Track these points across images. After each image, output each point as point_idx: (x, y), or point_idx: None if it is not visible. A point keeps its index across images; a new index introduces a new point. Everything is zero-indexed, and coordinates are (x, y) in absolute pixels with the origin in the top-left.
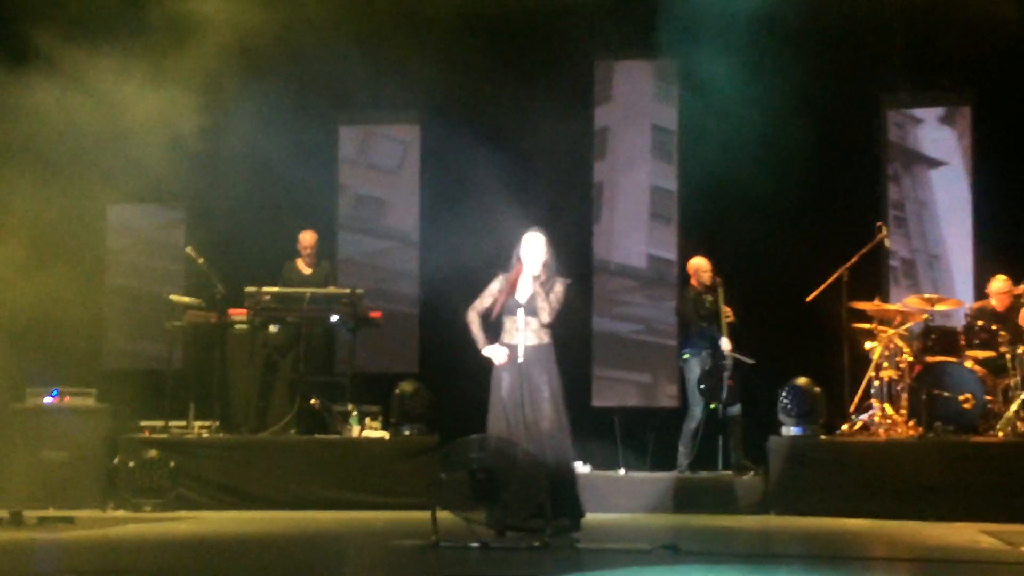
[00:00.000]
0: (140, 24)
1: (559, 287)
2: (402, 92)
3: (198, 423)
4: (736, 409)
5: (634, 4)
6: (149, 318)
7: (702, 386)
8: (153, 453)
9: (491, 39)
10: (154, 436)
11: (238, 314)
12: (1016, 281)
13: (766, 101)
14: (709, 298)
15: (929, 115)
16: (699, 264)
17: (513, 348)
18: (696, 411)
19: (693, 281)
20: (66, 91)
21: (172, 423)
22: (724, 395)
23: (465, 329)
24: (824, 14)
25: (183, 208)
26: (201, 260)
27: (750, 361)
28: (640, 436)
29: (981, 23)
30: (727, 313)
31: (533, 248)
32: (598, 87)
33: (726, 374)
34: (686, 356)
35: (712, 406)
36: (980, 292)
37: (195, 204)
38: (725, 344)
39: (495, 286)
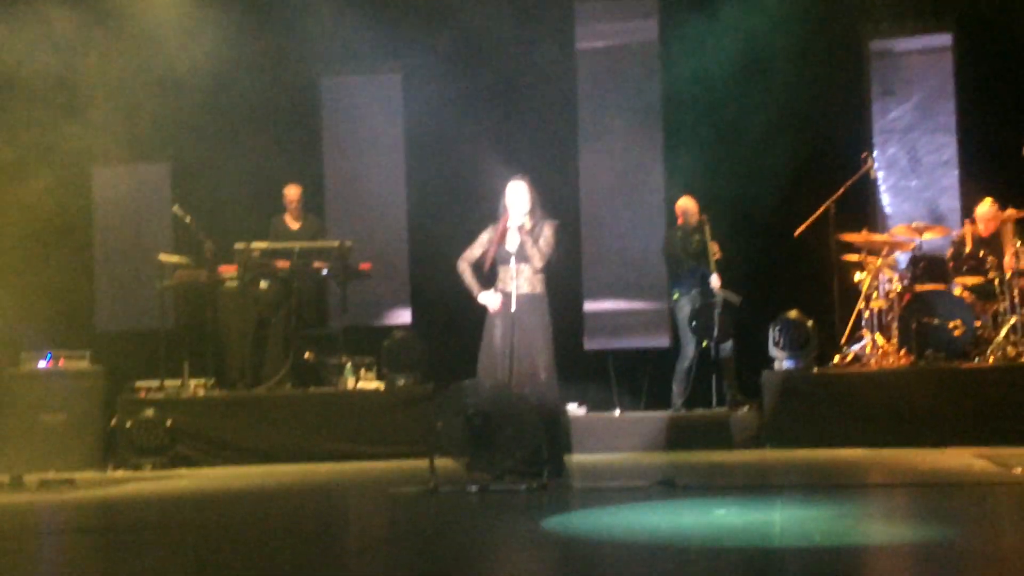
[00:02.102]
0: None
1: (548, 231)
2: (382, 42)
3: (193, 381)
4: (728, 346)
5: None
6: (139, 278)
7: (693, 324)
8: (150, 412)
9: None
10: (150, 396)
11: (228, 271)
12: (1002, 205)
13: (747, 32)
14: (696, 236)
15: (911, 44)
16: (687, 204)
17: (507, 296)
18: (688, 349)
19: (680, 220)
20: (35, 46)
21: (167, 382)
22: (715, 332)
23: (458, 278)
24: None
25: (168, 167)
26: (189, 218)
27: (737, 299)
28: (634, 376)
29: None
30: (714, 250)
31: (518, 195)
32: (579, 23)
33: (716, 311)
34: (676, 295)
35: (704, 344)
36: (967, 217)
37: (179, 162)
38: (715, 281)
39: (484, 236)
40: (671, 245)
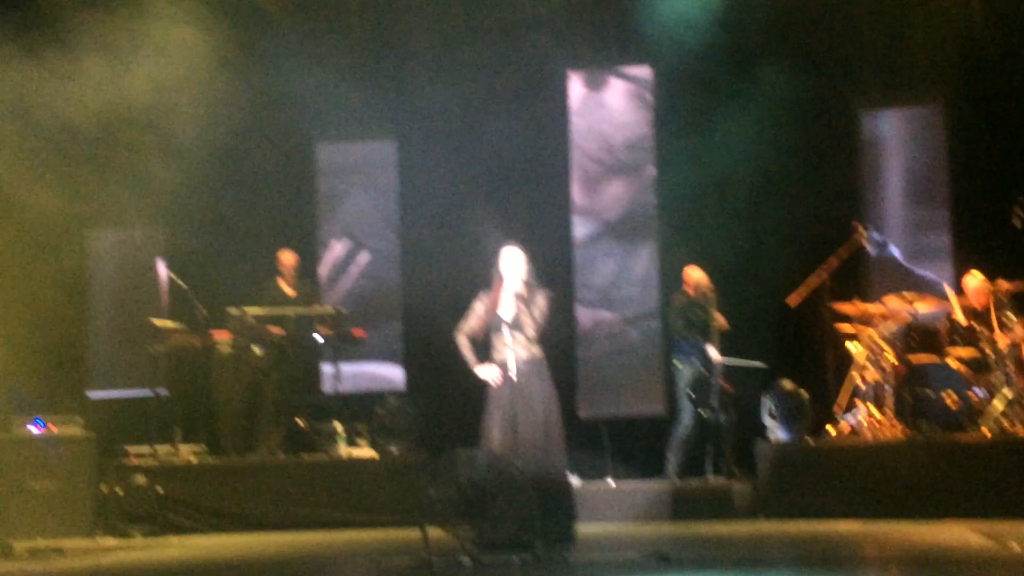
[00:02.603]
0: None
1: (541, 300)
2: (378, 108)
3: (185, 447)
4: (726, 417)
5: (607, 15)
6: (132, 343)
7: (691, 393)
8: (141, 479)
9: (465, 52)
10: (141, 462)
11: (222, 336)
12: (994, 275)
13: (740, 106)
14: (701, 305)
15: (901, 115)
16: (696, 274)
17: (504, 365)
18: (685, 417)
19: (687, 288)
20: (34, 110)
21: (159, 447)
22: (713, 402)
23: (454, 349)
24: (794, 18)
25: (162, 231)
26: (183, 283)
27: (760, 365)
28: (629, 445)
29: (949, 23)
30: (719, 321)
31: (512, 263)
32: (573, 98)
33: (715, 381)
34: (677, 364)
35: (702, 413)
36: (960, 289)
37: (174, 226)
38: (713, 353)
39: (479, 305)
40: (673, 313)
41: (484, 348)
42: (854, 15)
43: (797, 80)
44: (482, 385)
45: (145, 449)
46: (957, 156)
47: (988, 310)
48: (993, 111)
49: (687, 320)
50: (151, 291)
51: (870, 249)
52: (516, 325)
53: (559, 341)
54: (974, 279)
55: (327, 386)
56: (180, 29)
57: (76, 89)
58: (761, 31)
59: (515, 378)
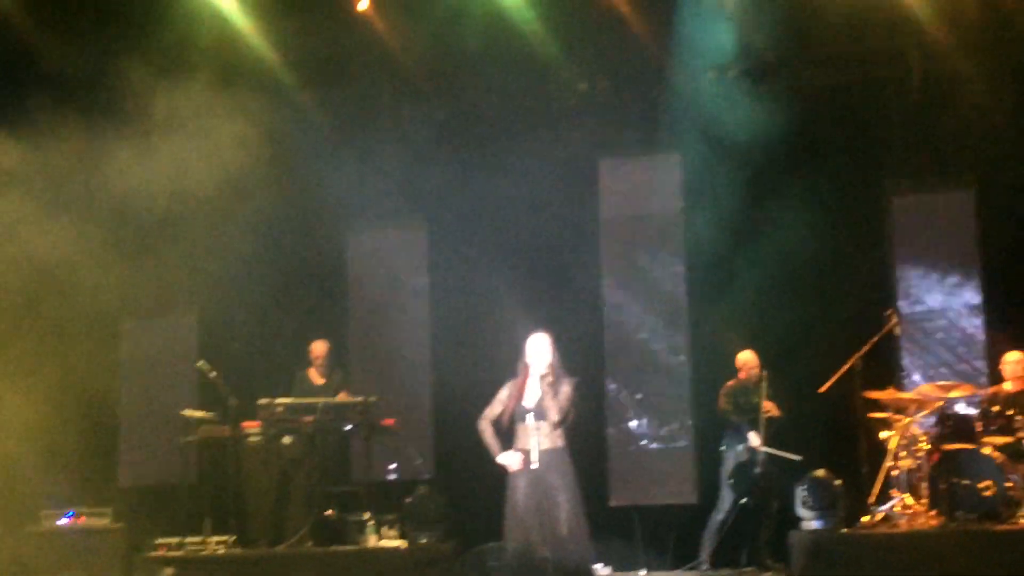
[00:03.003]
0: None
1: (566, 387)
2: (407, 198)
3: (214, 538)
4: (772, 506)
5: (636, 101)
6: (163, 433)
7: (731, 481)
8: (169, 571)
9: (495, 142)
10: (170, 554)
11: (251, 426)
12: None
13: (771, 193)
14: (753, 391)
15: (933, 200)
16: (747, 358)
17: (526, 453)
18: (725, 503)
19: (742, 374)
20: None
21: (188, 539)
22: (755, 490)
23: (480, 436)
24: (824, 104)
25: (195, 320)
26: (213, 373)
27: (796, 457)
28: (661, 533)
29: (981, 107)
30: (767, 408)
31: (539, 350)
32: (603, 184)
33: (757, 469)
34: (723, 448)
35: (743, 501)
36: (994, 374)
37: (206, 316)
38: (753, 439)
39: (504, 393)
40: (724, 396)
41: (509, 437)
42: (884, 102)
43: (828, 166)
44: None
45: (174, 540)
46: (989, 241)
47: (1022, 396)
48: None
49: (735, 404)
50: (183, 381)
51: None
52: (539, 414)
53: (589, 428)
54: (1014, 357)
55: (357, 475)
56: (217, 123)
57: (112, 181)
58: (792, 118)
59: (536, 467)
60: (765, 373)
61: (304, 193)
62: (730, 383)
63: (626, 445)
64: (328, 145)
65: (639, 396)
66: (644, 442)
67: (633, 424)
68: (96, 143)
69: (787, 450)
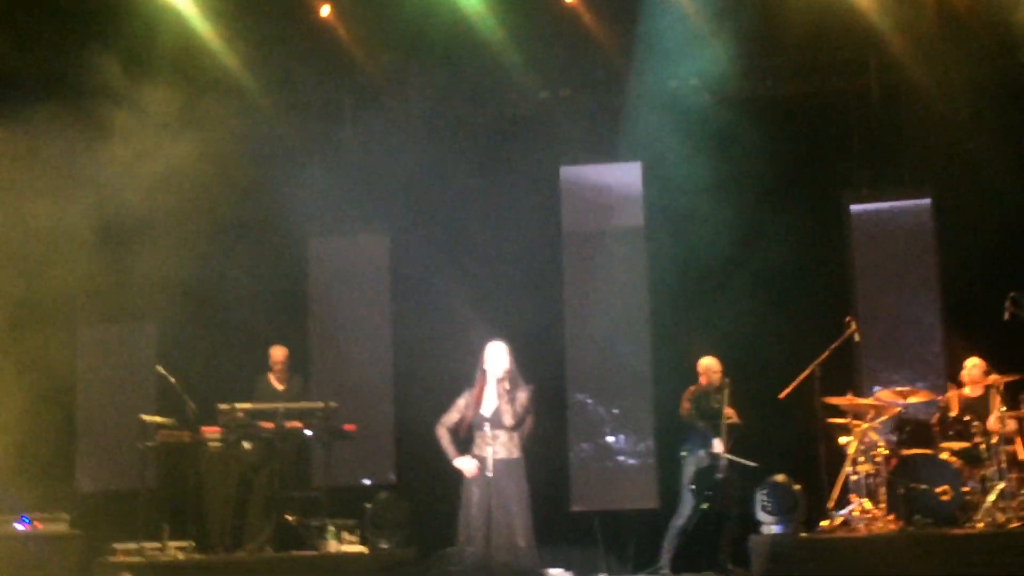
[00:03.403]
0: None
1: (523, 393)
2: (371, 202)
3: (173, 544)
4: (729, 512)
5: (598, 110)
6: (122, 438)
7: (692, 487)
8: None
9: (457, 147)
10: (128, 559)
11: (211, 432)
12: (989, 365)
13: (730, 199)
14: (715, 397)
15: (891, 208)
16: (709, 363)
17: (482, 461)
18: (685, 509)
19: (703, 380)
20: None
21: (146, 544)
22: (716, 496)
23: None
24: (783, 113)
25: (154, 326)
26: (173, 379)
27: (753, 464)
28: (621, 538)
29: (939, 118)
30: (729, 414)
31: (496, 358)
32: (564, 192)
33: (718, 475)
34: (684, 453)
35: (704, 506)
36: (953, 379)
37: (166, 321)
38: (717, 446)
39: (461, 401)
40: (686, 401)
41: (468, 443)
42: (844, 112)
43: (787, 174)
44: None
45: (132, 546)
46: (947, 250)
47: (983, 400)
48: (982, 206)
49: (697, 409)
50: (142, 386)
51: None
52: (496, 422)
53: (551, 436)
54: (973, 363)
55: (317, 481)
56: (179, 128)
57: (69, 186)
58: (752, 127)
59: (490, 475)
60: (727, 379)
61: (266, 198)
62: (692, 388)
63: (594, 457)
64: (290, 151)
65: (616, 411)
66: (609, 445)
67: (611, 439)
68: (57, 147)
69: (746, 456)
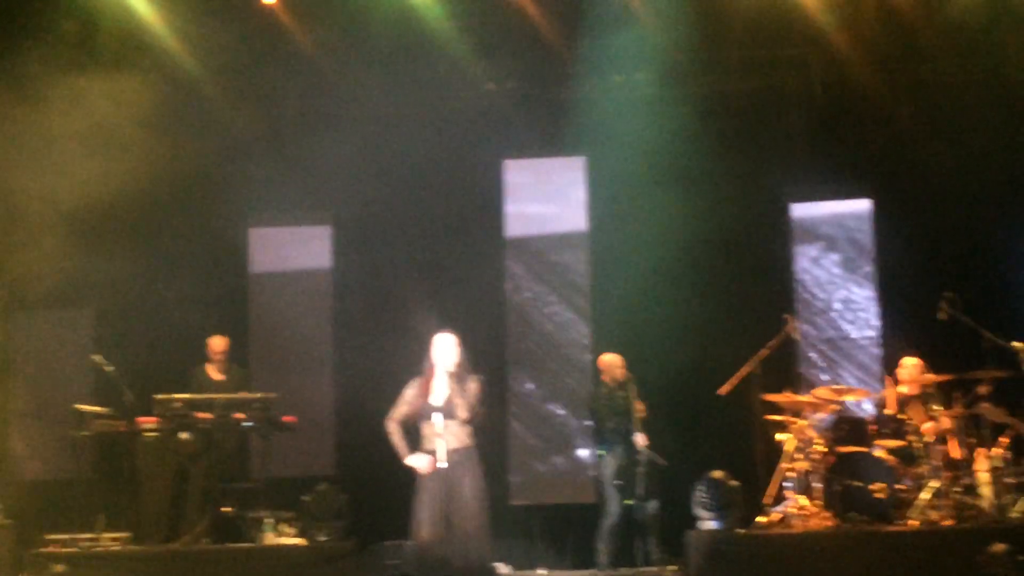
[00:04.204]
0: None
1: (474, 384)
2: (313, 192)
3: (108, 535)
4: (654, 504)
5: (542, 103)
6: (55, 427)
7: (616, 482)
8: (60, 568)
9: (401, 139)
10: (62, 550)
11: (148, 422)
12: (924, 366)
13: (673, 195)
14: (621, 394)
15: (832, 207)
16: (611, 360)
17: (434, 453)
18: (612, 507)
19: (605, 377)
20: None
21: (80, 535)
22: (639, 491)
23: (385, 437)
24: (726, 108)
25: (91, 313)
26: (110, 367)
27: (663, 461)
28: (559, 533)
29: (879, 118)
30: (639, 408)
31: (445, 349)
32: (507, 186)
33: (640, 469)
34: (601, 453)
35: (628, 502)
36: (891, 378)
37: (102, 309)
38: (639, 439)
39: (409, 392)
40: (596, 402)
41: (415, 435)
42: (786, 109)
43: (729, 172)
44: (413, 474)
45: (65, 536)
46: (885, 250)
47: (915, 401)
48: (921, 207)
49: (610, 407)
50: (78, 375)
51: None
52: (447, 412)
53: (492, 427)
54: (910, 362)
55: (255, 472)
56: (119, 113)
57: (8, 170)
58: (695, 122)
59: (444, 466)
60: (631, 374)
61: (207, 186)
62: (600, 388)
63: (533, 450)
64: (232, 138)
65: (555, 404)
66: (549, 438)
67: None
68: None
69: (659, 454)
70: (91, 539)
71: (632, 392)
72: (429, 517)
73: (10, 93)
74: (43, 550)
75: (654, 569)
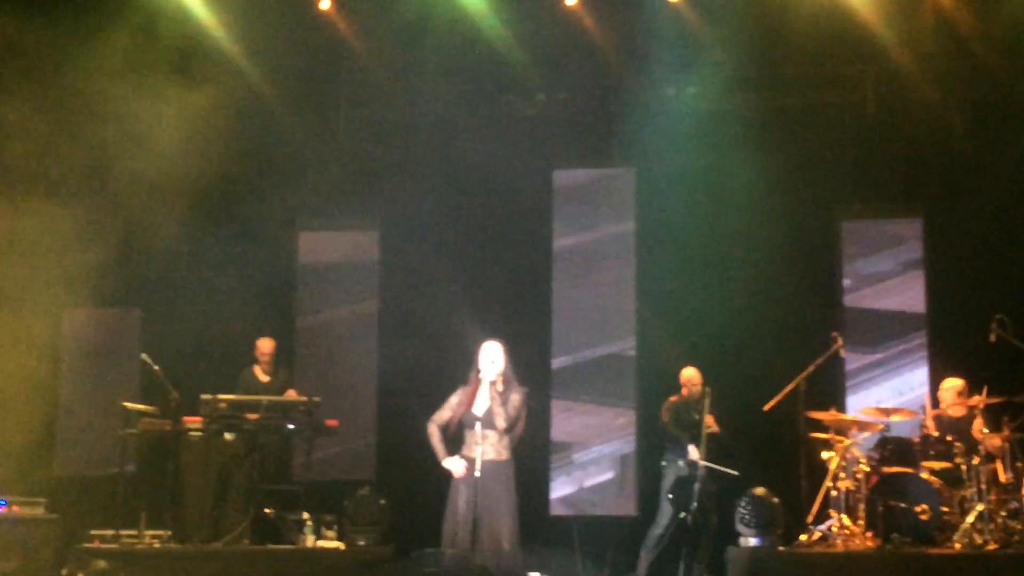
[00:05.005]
0: (98, 136)
1: (516, 396)
2: (361, 199)
3: (149, 532)
4: (711, 521)
5: (593, 114)
6: (102, 425)
7: (670, 496)
8: (102, 564)
9: (452, 146)
10: (104, 546)
11: (193, 422)
12: (971, 389)
13: (722, 210)
14: (693, 408)
15: (882, 226)
16: (691, 375)
17: (471, 461)
18: (663, 519)
19: (684, 391)
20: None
21: (123, 532)
22: (693, 505)
23: (425, 439)
24: (777, 127)
25: (139, 313)
26: (156, 367)
27: (734, 473)
28: (599, 545)
29: (930, 135)
30: (709, 423)
31: (491, 358)
32: (557, 196)
33: (696, 485)
34: (664, 463)
35: (681, 515)
36: (936, 400)
37: (151, 309)
38: (693, 453)
39: (454, 399)
40: (666, 411)
41: (457, 443)
42: (838, 126)
43: (779, 188)
44: (450, 480)
45: (108, 532)
46: (935, 269)
47: (964, 422)
48: (972, 224)
49: (677, 419)
50: (125, 373)
51: None
52: (487, 422)
53: (534, 438)
54: (949, 384)
55: (298, 475)
56: (170, 111)
57: (59, 169)
58: (747, 137)
59: (478, 475)
60: (707, 389)
61: (256, 189)
62: (672, 399)
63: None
64: (284, 142)
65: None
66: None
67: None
68: (48, 122)
69: (727, 466)
70: (133, 536)
71: (705, 407)
72: (461, 524)
73: (63, 87)
74: (86, 545)
75: None
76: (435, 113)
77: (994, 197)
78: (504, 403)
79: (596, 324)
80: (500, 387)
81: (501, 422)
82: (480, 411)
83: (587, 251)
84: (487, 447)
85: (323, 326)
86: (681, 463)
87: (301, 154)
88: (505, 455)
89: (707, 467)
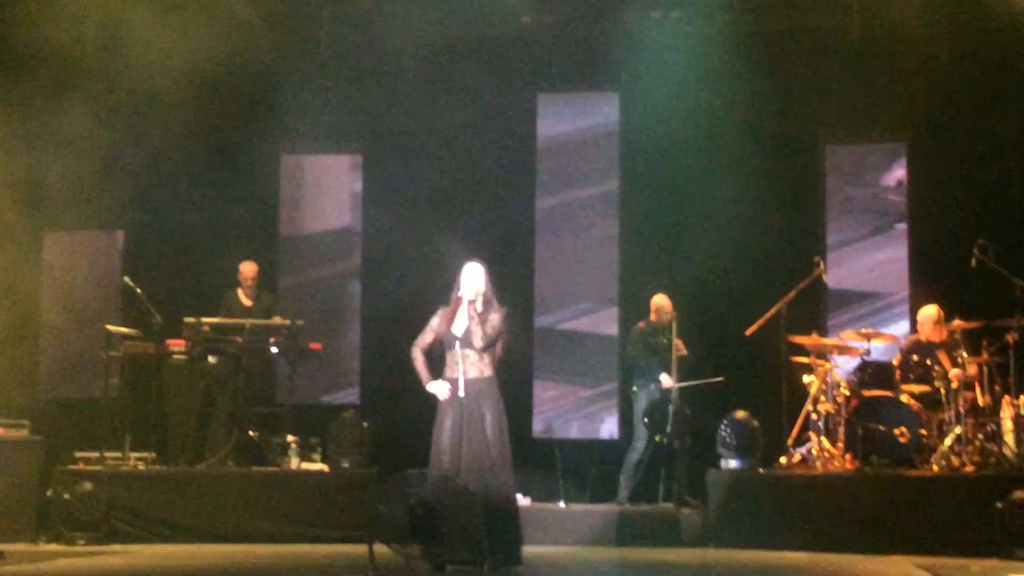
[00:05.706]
0: (78, 49)
1: (495, 316)
2: (344, 121)
3: (134, 455)
4: (682, 442)
5: (578, 38)
6: (85, 348)
7: (646, 419)
8: (87, 486)
9: (435, 69)
10: (89, 468)
11: (176, 345)
12: (951, 315)
13: (706, 134)
14: (664, 333)
15: (866, 151)
16: (661, 301)
17: (454, 382)
18: (639, 443)
19: (653, 317)
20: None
21: (107, 454)
22: (668, 428)
23: (408, 362)
24: (763, 51)
25: (121, 236)
26: (139, 290)
27: (718, 379)
28: (581, 467)
29: (916, 64)
30: (678, 347)
31: (472, 278)
32: (540, 120)
33: (671, 407)
34: (635, 388)
35: (657, 439)
36: (915, 326)
37: (133, 232)
38: (667, 380)
39: (435, 320)
40: (634, 339)
41: (439, 364)
42: (823, 50)
43: (764, 112)
44: (435, 403)
45: (93, 454)
46: (919, 195)
47: (942, 346)
48: (956, 152)
49: (646, 345)
50: (108, 296)
51: None
52: (466, 342)
53: (516, 360)
54: (927, 310)
55: (281, 398)
56: (156, 34)
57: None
58: (730, 62)
59: (462, 395)
60: (675, 314)
61: (240, 110)
62: (640, 325)
63: (551, 380)
64: (266, 65)
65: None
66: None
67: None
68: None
69: (705, 376)
70: (118, 458)
71: (674, 331)
72: (448, 446)
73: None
74: (71, 467)
75: (675, 507)
76: (417, 36)
77: (979, 124)
78: (483, 323)
79: (578, 246)
80: (480, 307)
81: (478, 341)
82: (459, 331)
83: (571, 175)
84: (468, 366)
85: (306, 250)
86: (652, 387)
87: (283, 77)
88: (488, 372)
89: (683, 388)
